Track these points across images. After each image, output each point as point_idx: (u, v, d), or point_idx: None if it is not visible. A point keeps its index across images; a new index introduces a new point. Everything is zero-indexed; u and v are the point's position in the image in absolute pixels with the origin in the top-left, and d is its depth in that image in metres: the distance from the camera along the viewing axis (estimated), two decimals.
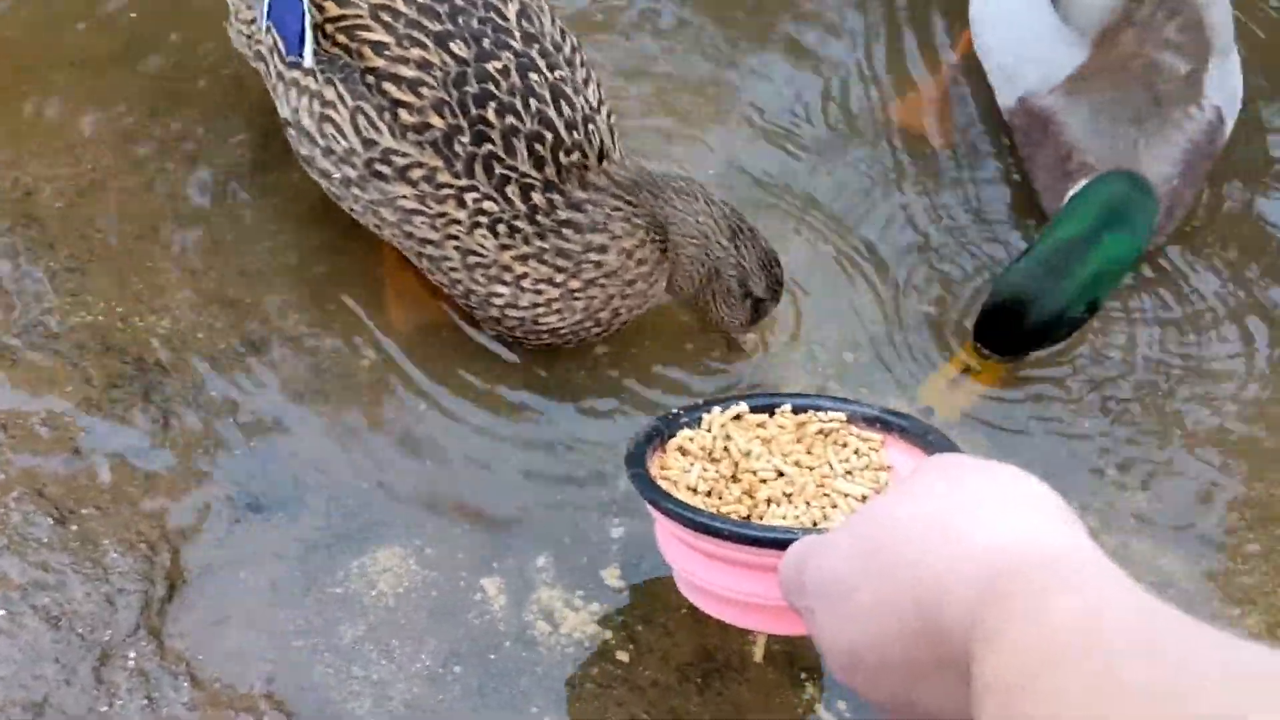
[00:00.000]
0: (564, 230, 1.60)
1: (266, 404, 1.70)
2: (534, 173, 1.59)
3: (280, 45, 1.68)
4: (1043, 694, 0.63)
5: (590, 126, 1.63)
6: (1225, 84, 1.91)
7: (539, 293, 1.63)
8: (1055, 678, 0.63)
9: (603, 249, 1.61)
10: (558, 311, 1.65)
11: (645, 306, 1.70)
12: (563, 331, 1.68)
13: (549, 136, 1.59)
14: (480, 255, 1.62)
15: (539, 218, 1.60)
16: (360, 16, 1.60)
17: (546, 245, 1.60)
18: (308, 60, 1.64)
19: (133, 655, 1.49)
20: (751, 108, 2.06)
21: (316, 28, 1.63)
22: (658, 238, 1.63)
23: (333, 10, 1.61)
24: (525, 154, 1.58)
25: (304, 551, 1.58)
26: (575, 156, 1.61)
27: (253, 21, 1.75)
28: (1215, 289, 1.92)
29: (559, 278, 1.62)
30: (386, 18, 1.59)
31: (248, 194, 1.90)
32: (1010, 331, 1.72)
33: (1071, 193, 1.80)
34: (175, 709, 1.45)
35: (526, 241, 1.61)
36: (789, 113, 2.06)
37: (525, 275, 1.62)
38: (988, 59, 2.03)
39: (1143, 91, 1.84)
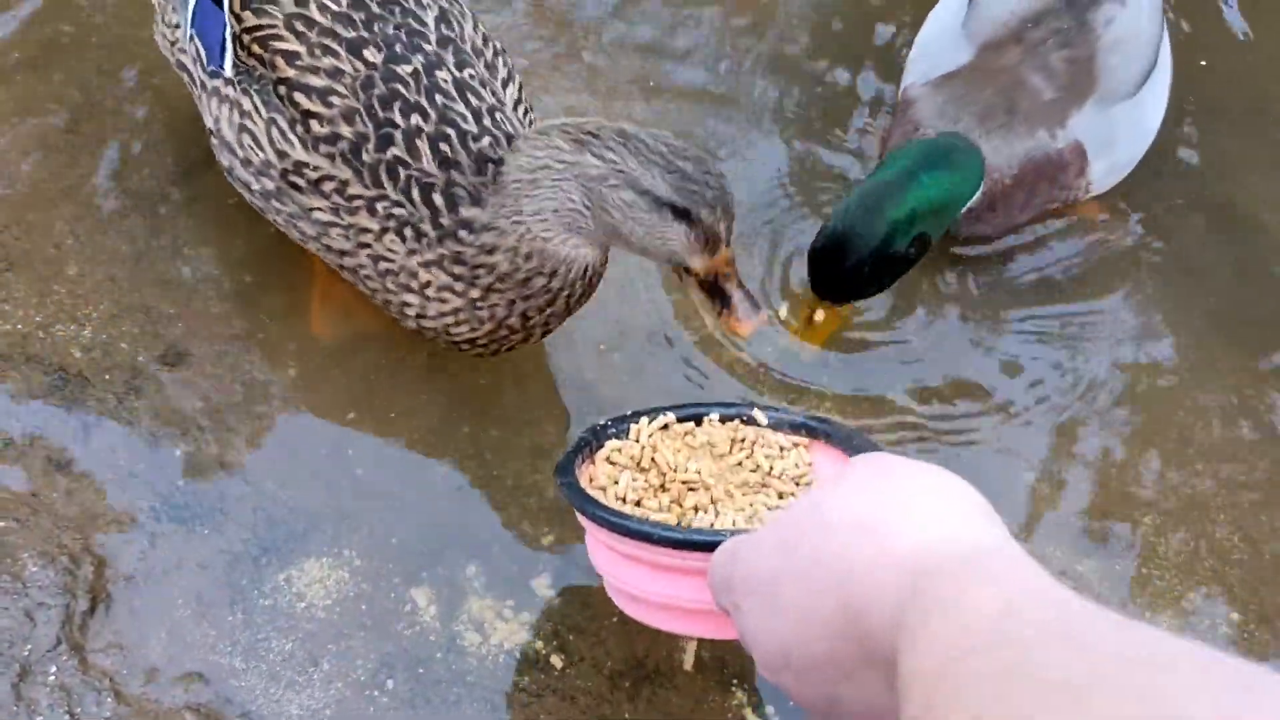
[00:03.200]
0: (459, 232, 1.50)
1: (190, 414, 1.68)
2: (436, 172, 1.51)
3: (202, 55, 1.66)
4: (961, 682, 0.65)
5: (499, 116, 1.56)
6: (1099, 128, 1.93)
7: (444, 301, 1.54)
8: (973, 666, 0.65)
9: (491, 250, 1.49)
10: (466, 322, 1.56)
11: (566, 306, 1.55)
12: (481, 342, 1.59)
13: (452, 133, 1.52)
14: (389, 260, 1.55)
15: (441, 219, 1.50)
16: (275, 26, 1.57)
17: (445, 251, 1.51)
18: (228, 70, 1.63)
19: (54, 670, 1.46)
20: None
21: (235, 38, 1.61)
22: (540, 227, 1.46)
23: (249, 20, 1.58)
24: (430, 154, 1.51)
25: (230, 563, 1.56)
26: (486, 141, 1.51)
27: (178, 27, 1.73)
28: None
29: (459, 286, 1.52)
30: (300, 27, 1.56)
31: (170, 203, 1.87)
32: (833, 272, 1.78)
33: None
34: None
35: (430, 246, 1.52)
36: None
37: (429, 283, 1.54)
38: None
39: (1000, 100, 1.90)
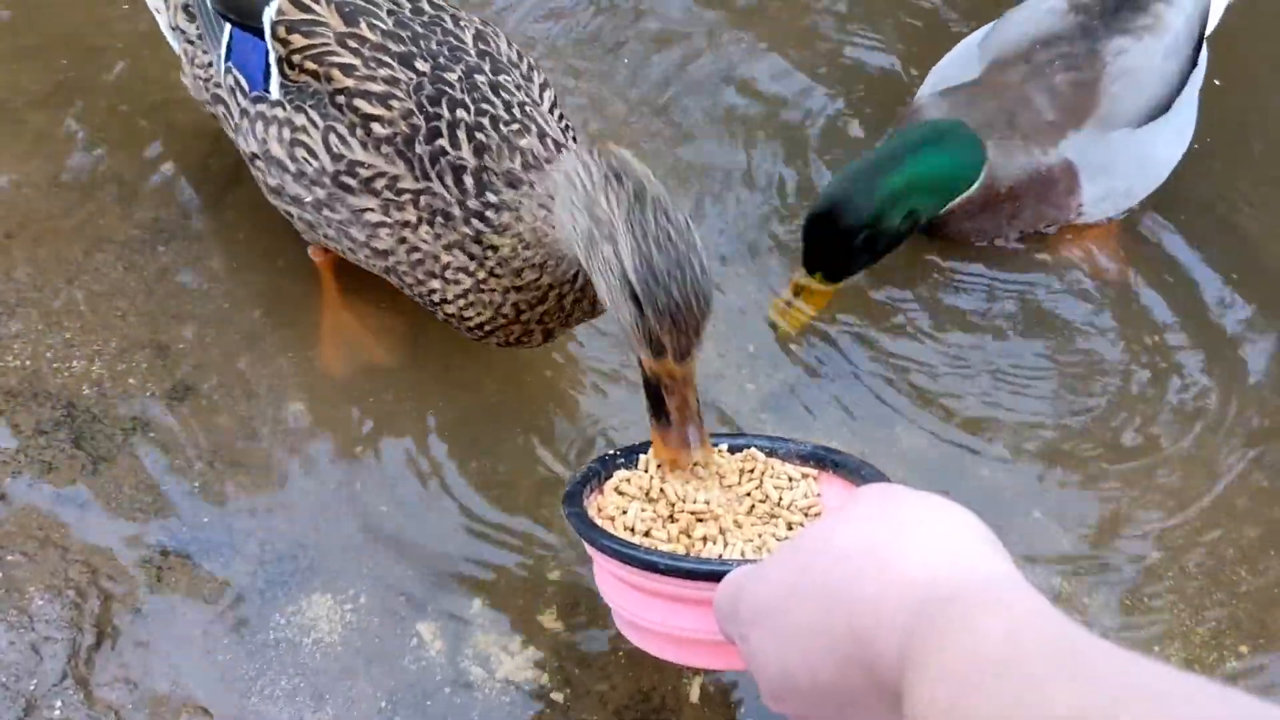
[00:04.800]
0: (486, 213, 1.54)
1: (198, 450, 1.68)
2: (470, 157, 1.56)
3: (243, 84, 1.71)
4: (969, 712, 0.65)
5: (529, 110, 1.61)
6: (1094, 152, 1.97)
7: (458, 283, 1.58)
8: (980, 696, 0.65)
9: (503, 229, 1.52)
10: (474, 305, 1.58)
11: (560, 305, 1.55)
12: (487, 328, 1.60)
13: (486, 121, 1.57)
14: (420, 250, 1.60)
15: (468, 202, 1.55)
16: (327, 43, 1.64)
17: (469, 231, 1.55)
18: (274, 93, 1.67)
19: (59, 705, 1.46)
20: None
21: (281, 61, 1.66)
22: (550, 223, 1.45)
23: (299, 42, 1.64)
24: (467, 142, 1.57)
25: (236, 598, 1.56)
26: (515, 128, 1.56)
27: (210, 66, 1.77)
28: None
29: (471, 266, 1.56)
30: (353, 43, 1.63)
31: (181, 239, 1.89)
32: (825, 242, 1.83)
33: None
34: None
35: (454, 229, 1.57)
36: None
37: (449, 265, 1.58)
38: None
39: (1002, 114, 1.95)
